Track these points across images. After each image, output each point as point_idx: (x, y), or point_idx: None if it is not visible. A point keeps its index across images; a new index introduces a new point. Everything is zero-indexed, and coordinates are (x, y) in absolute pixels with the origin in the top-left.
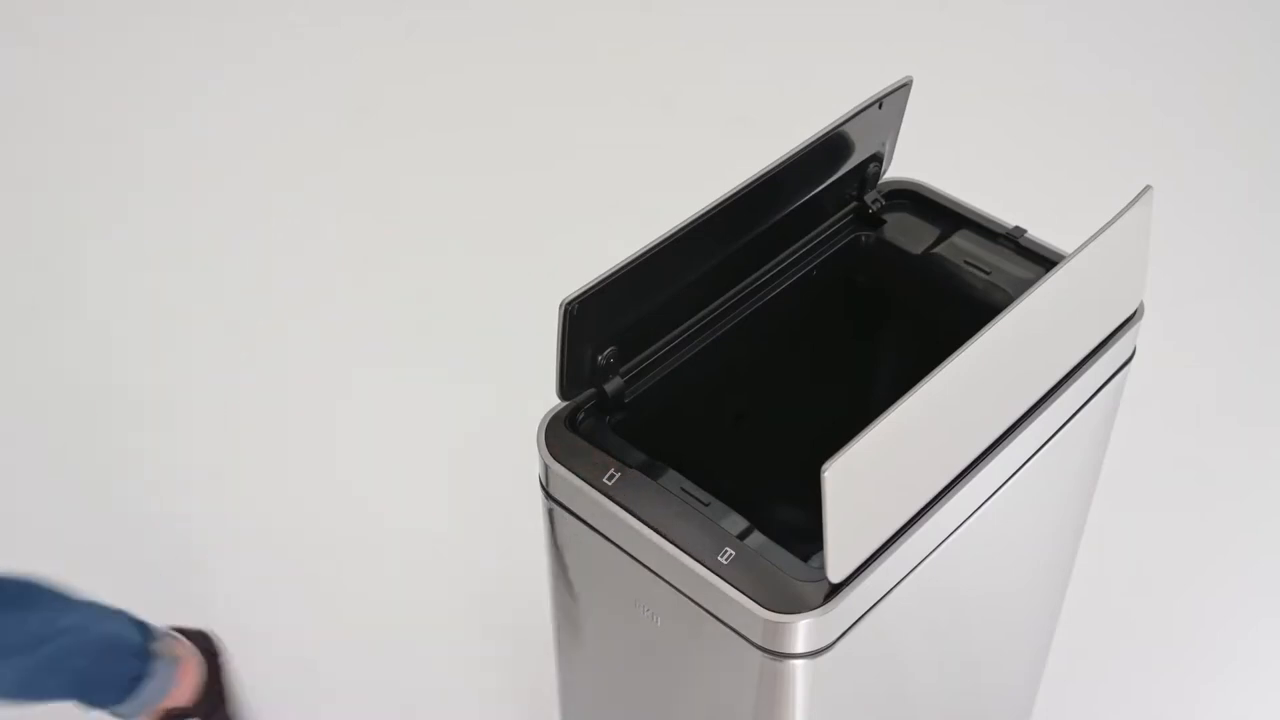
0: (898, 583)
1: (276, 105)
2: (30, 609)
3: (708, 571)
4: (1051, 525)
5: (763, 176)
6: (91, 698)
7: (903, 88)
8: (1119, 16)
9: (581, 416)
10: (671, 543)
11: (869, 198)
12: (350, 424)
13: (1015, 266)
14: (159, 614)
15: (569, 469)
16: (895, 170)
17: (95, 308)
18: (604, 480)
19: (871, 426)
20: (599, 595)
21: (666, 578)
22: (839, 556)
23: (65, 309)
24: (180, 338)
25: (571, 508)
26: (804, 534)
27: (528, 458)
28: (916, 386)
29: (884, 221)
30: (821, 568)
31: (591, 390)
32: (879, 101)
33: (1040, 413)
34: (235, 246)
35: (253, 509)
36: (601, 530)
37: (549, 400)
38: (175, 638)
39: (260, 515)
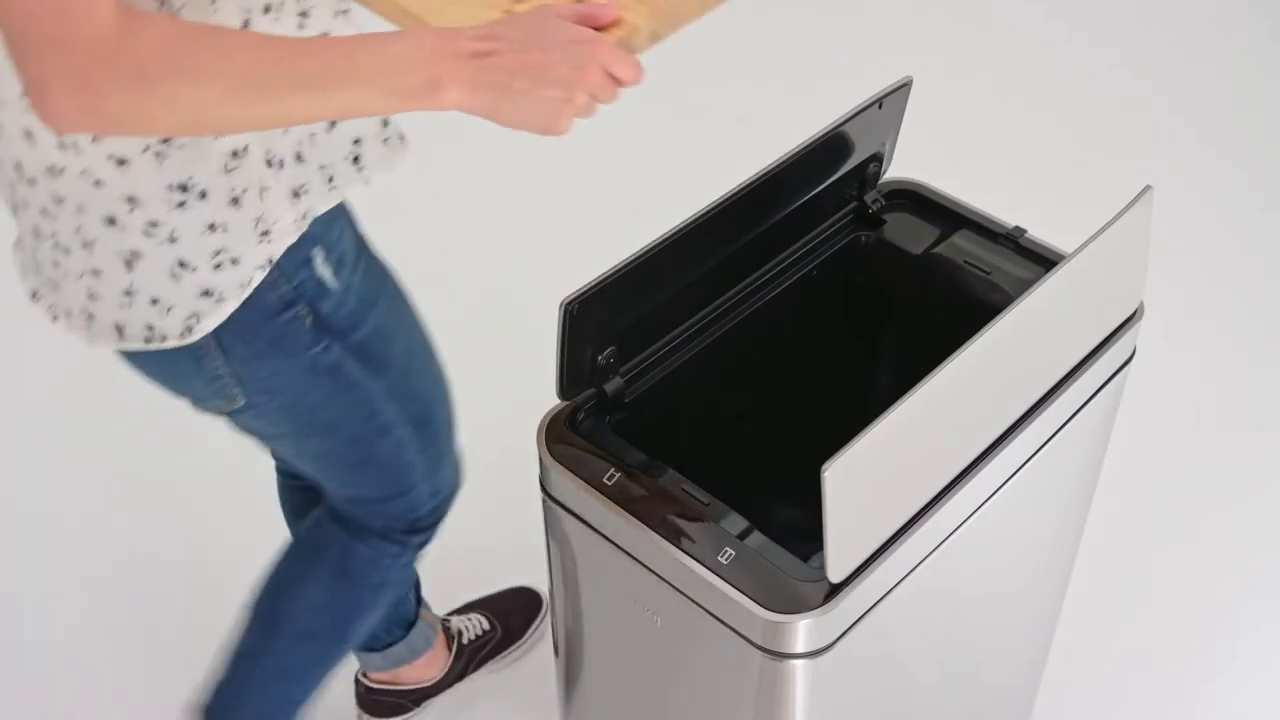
0: (898, 583)
1: None
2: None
3: (708, 571)
4: (1051, 525)
5: (763, 176)
6: (348, 634)
7: (903, 88)
8: (1119, 16)
9: (581, 416)
10: (671, 543)
11: (869, 198)
12: None
13: (1015, 266)
14: (169, 613)
15: (569, 469)
16: (895, 170)
17: None
18: (604, 480)
19: (871, 426)
20: (599, 595)
21: (666, 578)
22: (839, 556)
23: None
24: None
25: (571, 508)
26: (804, 534)
27: (527, 458)
28: (916, 386)
29: (884, 221)
30: (821, 568)
31: (591, 390)
32: (879, 101)
33: (1040, 413)
34: None
35: (250, 509)
36: (601, 530)
37: (549, 400)
38: (437, 629)
39: (257, 515)
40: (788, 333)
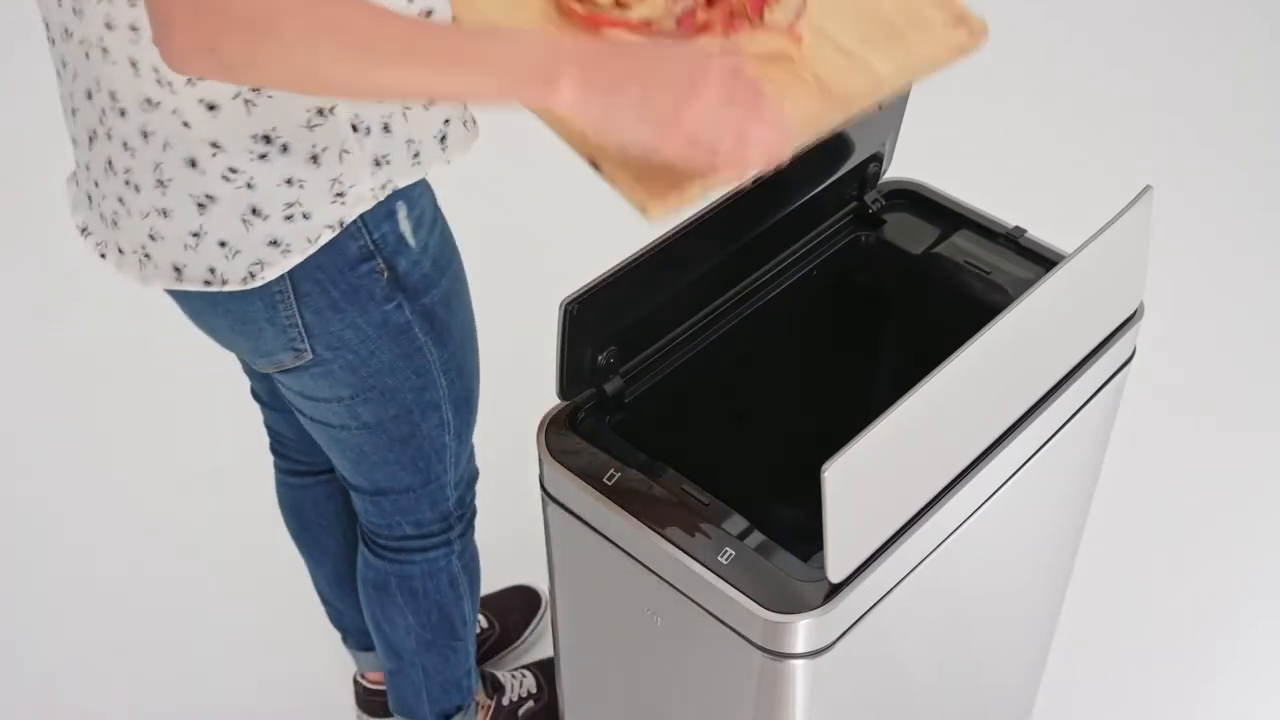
0: (898, 583)
1: None
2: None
3: (708, 571)
4: (1051, 525)
5: (763, 177)
6: (457, 628)
7: None
8: (1119, 16)
9: (581, 416)
10: (671, 543)
11: (869, 198)
12: None
13: (1015, 266)
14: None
15: (569, 469)
16: (895, 170)
17: (88, 307)
18: (604, 480)
19: (871, 426)
20: (599, 595)
21: (666, 578)
22: (839, 556)
23: (55, 306)
24: (173, 337)
25: (571, 508)
26: (804, 534)
27: (527, 458)
28: (916, 387)
29: (884, 221)
30: (821, 568)
31: (591, 390)
32: (879, 101)
33: (1040, 413)
34: None
35: (251, 508)
36: (601, 530)
37: (549, 400)
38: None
39: (258, 515)
40: (788, 333)
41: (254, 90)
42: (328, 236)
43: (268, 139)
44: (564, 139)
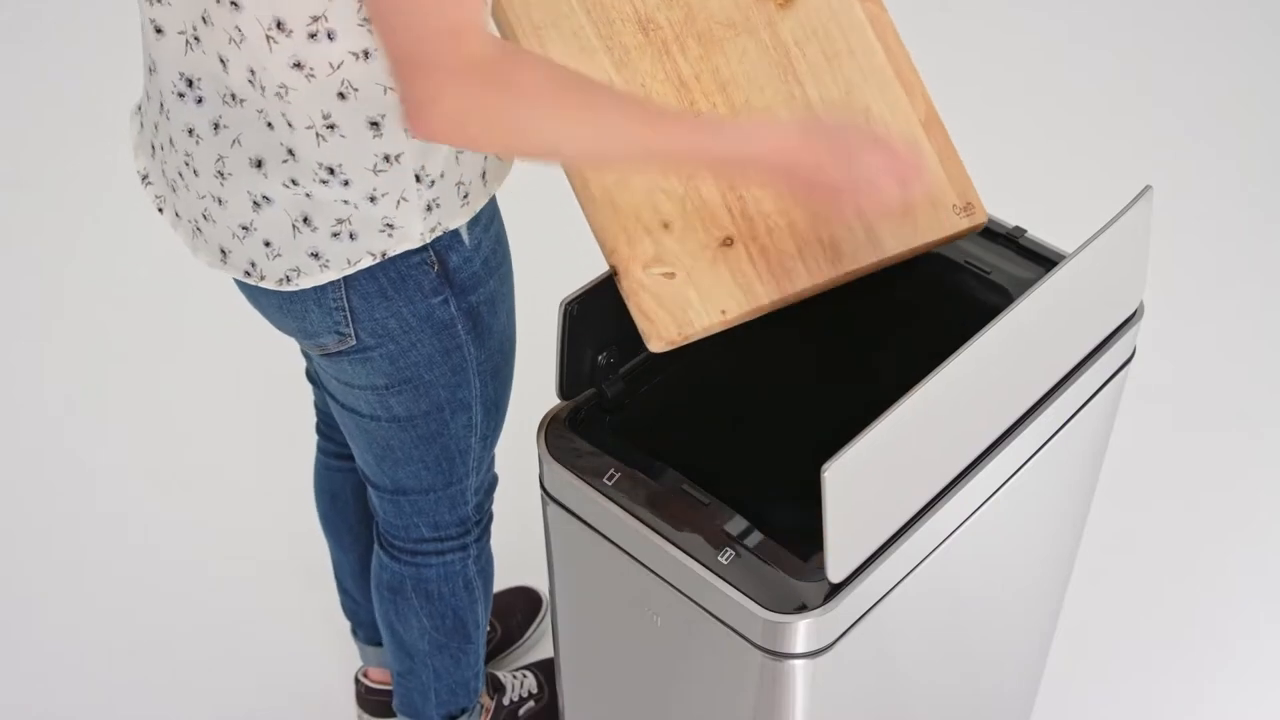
0: (898, 583)
1: None
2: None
3: (708, 571)
4: (1051, 525)
5: None
6: (470, 630)
7: None
8: (1120, 17)
9: (581, 416)
10: (671, 543)
11: None
12: None
13: (1015, 266)
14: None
15: (569, 469)
16: None
17: (86, 298)
18: (604, 480)
19: (871, 427)
20: (599, 595)
21: (666, 578)
22: (839, 556)
23: (54, 295)
24: (174, 336)
25: (571, 508)
26: (804, 534)
27: (527, 458)
28: (916, 387)
29: None
30: (821, 568)
31: (591, 390)
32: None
33: (1040, 413)
34: None
35: (250, 504)
36: (601, 530)
37: (549, 400)
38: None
39: (259, 513)
40: (788, 332)
41: (328, 128)
42: (367, 263)
43: (332, 170)
44: (598, 240)
